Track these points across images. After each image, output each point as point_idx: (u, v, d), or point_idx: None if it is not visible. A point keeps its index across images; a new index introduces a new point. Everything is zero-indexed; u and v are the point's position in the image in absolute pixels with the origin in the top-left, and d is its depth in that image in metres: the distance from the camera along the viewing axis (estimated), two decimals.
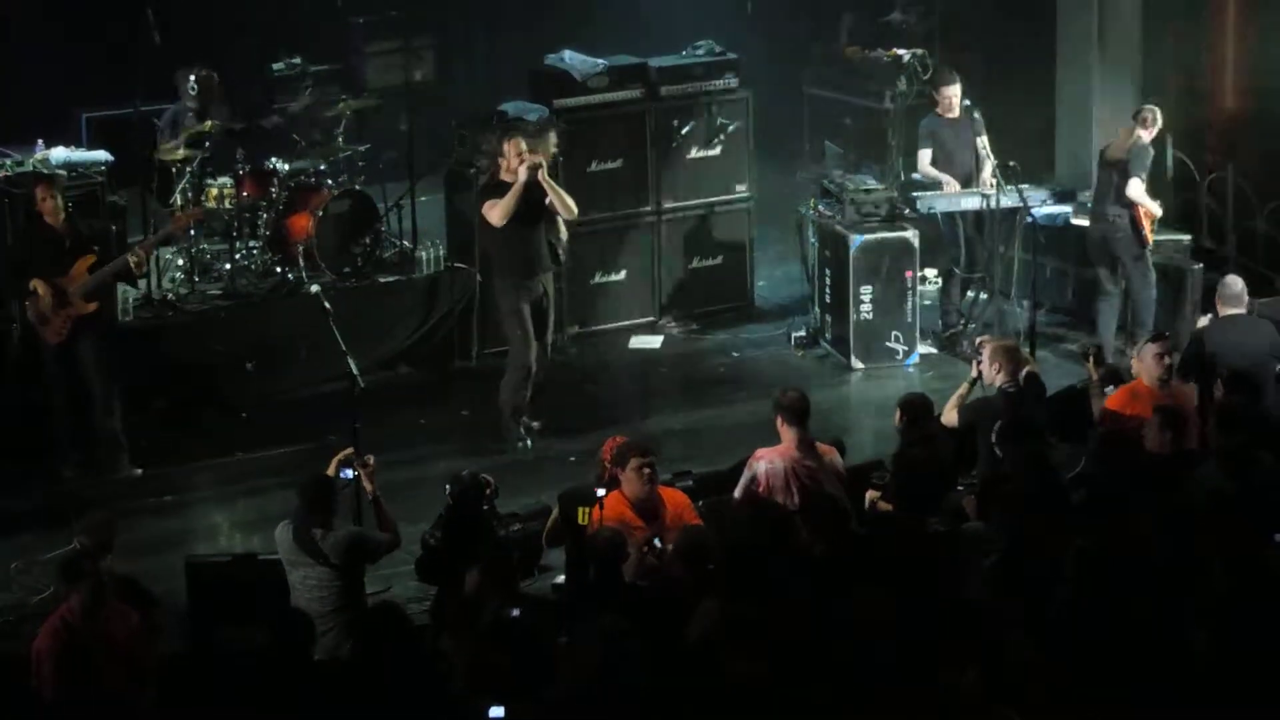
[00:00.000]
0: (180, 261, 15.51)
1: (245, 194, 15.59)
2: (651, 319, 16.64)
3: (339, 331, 12.70)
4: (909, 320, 15.80)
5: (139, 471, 13.92)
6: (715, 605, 9.50)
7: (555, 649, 9.43)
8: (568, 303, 16.07)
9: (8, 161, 14.97)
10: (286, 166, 15.78)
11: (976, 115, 15.94)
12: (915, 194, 16.12)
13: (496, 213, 14.06)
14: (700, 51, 16.87)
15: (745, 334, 16.58)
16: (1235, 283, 13.41)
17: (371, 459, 11.39)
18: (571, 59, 16.40)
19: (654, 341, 16.29)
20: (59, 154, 15.10)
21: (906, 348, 15.80)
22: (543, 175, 14.08)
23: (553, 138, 15.06)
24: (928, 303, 16.30)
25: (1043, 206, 15.88)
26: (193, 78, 16.03)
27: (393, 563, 11.70)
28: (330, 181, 15.94)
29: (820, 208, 16.23)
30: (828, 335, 16.18)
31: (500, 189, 14.12)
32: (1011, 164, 15.76)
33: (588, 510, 11.13)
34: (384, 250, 16.14)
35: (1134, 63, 17.72)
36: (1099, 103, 17.72)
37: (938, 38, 19.19)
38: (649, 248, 16.60)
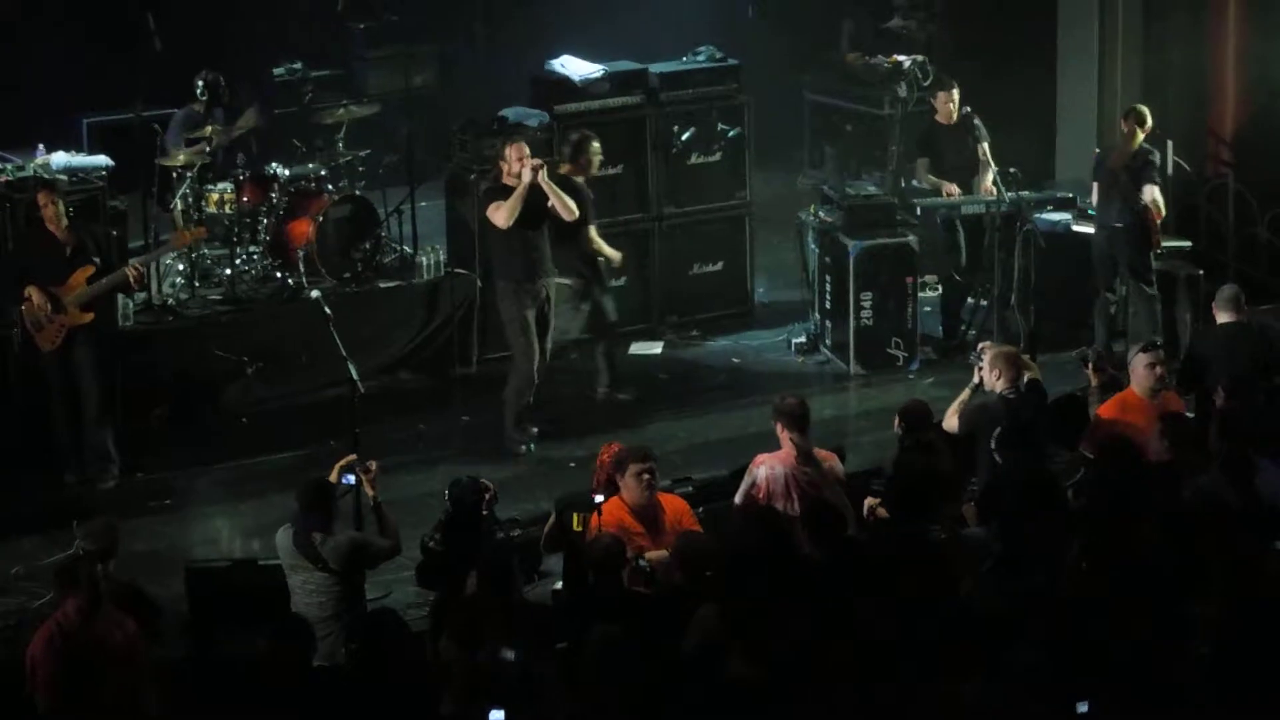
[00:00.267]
0: (180, 267, 15.51)
1: (245, 199, 15.60)
2: (651, 325, 16.63)
3: (339, 337, 12.70)
4: (909, 326, 15.79)
5: (112, 483, 13.81)
6: (714, 611, 9.49)
7: (555, 655, 9.44)
8: None
9: (8, 166, 14.95)
10: (287, 172, 15.79)
11: (976, 122, 15.94)
12: (915, 200, 16.13)
13: (501, 215, 14.09)
14: (701, 57, 16.87)
15: (745, 340, 16.56)
16: (1229, 289, 13.42)
17: (374, 464, 11.40)
18: (571, 65, 16.41)
19: (654, 348, 16.29)
20: (60, 159, 15.07)
21: (907, 354, 15.79)
22: (542, 178, 14.10)
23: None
24: (928, 309, 16.29)
25: (1043, 213, 15.88)
26: (200, 82, 16.05)
27: (393, 568, 11.70)
28: (331, 187, 15.94)
29: (821, 214, 16.22)
30: (828, 341, 16.17)
31: (504, 192, 14.15)
32: (1012, 170, 15.78)
33: (583, 516, 11.14)
34: (384, 256, 16.14)
35: (1135, 69, 17.74)
36: (1100, 109, 17.74)
37: (938, 44, 19.20)
38: (650, 254, 16.59)
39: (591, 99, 16.31)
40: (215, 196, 15.61)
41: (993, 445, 11.88)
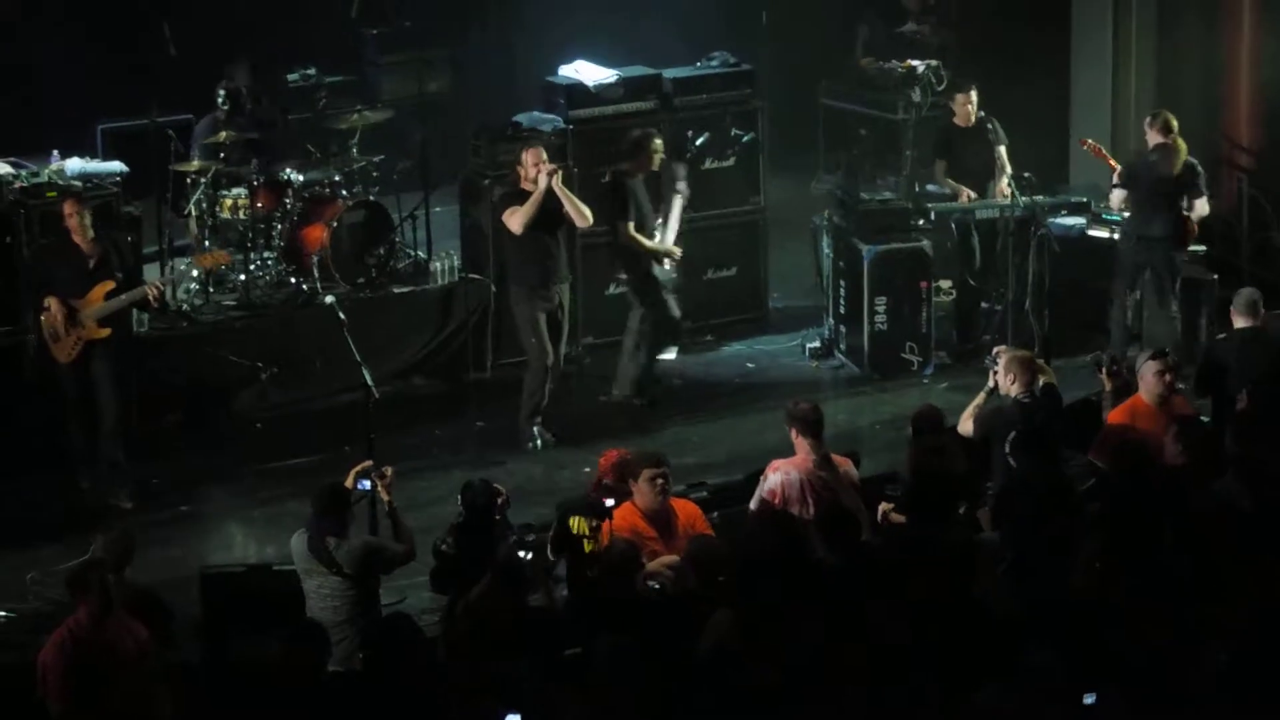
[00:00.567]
0: (195, 273, 15.50)
1: (260, 205, 15.61)
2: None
3: (353, 342, 12.71)
4: (924, 331, 15.79)
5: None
6: (728, 616, 9.49)
7: (567, 659, 9.45)
8: (582, 314, 16.06)
9: (23, 173, 14.97)
10: (301, 177, 15.80)
11: (993, 125, 15.95)
12: (929, 204, 16.12)
13: (516, 220, 14.12)
14: (715, 63, 16.86)
15: (760, 345, 16.55)
16: (1248, 293, 13.38)
17: (389, 470, 11.40)
18: (585, 70, 16.42)
19: (669, 353, 16.28)
20: (74, 165, 15.09)
21: (921, 358, 15.78)
22: (557, 183, 14.12)
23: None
24: (942, 313, 16.27)
25: (1057, 217, 15.87)
26: (222, 91, 16.05)
27: (407, 574, 11.70)
28: (344, 192, 15.95)
29: (835, 218, 16.22)
30: (842, 346, 16.16)
31: (520, 197, 14.19)
32: (1026, 175, 15.76)
33: (591, 523, 11.16)
34: (398, 261, 16.14)
35: (1149, 73, 17.72)
36: (1114, 114, 17.71)
37: (952, 49, 19.18)
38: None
39: (605, 104, 16.32)
40: (229, 202, 15.61)
41: (1007, 450, 11.87)
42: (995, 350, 12.86)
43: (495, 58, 18.95)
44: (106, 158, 15.77)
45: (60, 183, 14.77)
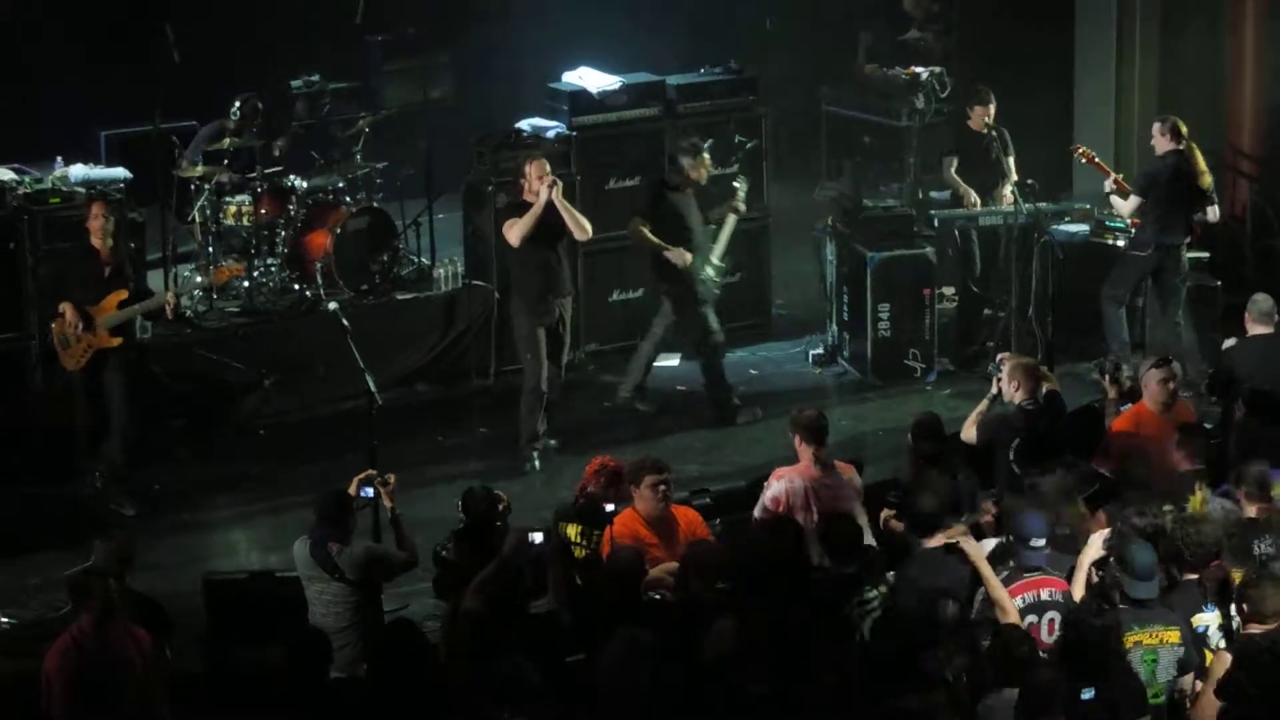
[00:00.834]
0: (199, 279, 15.52)
1: (263, 212, 15.62)
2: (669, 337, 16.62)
3: (357, 349, 12.72)
4: (927, 338, 15.79)
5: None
6: (732, 624, 9.48)
7: (570, 665, 9.45)
8: (585, 321, 16.07)
9: (26, 178, 14.98)
10: (305, 184, 15.82)
11: (1001, 132, 16.01)
12: (933, 211, 16.12)
13: (515, 232, 14.10)
14: (718, 69, 16.88)
15: (763, 351, 16.57)
16: (1264, 301, 13.33)
17: (393, 477, 11.39)
18: (589, 76, 16.42)
19: (672, 360, 16.28)
20: (78, 171, 15.11)
21: (924, 365, 15.79)
22: (557, 195, 14.08)
23: None
24: (945, 320, 16.27)
25: (1060, 224, 15.87)
26: (239, 103, 16.02)
27: (410, 580, 11.69)
28: (348, 199, 15.97)
29: (838, 225, 16.22)
30: (846, 353, 16.17)
31: (521, 209, 14.15)
32: (1029, 182, 15.77)
33: (573, 526, 11.19)
34: (402, 268, 16.17)
35: (1152, 80, 17.71)
36: (1117, 121, 17.71)
37: (955, 56, 19.18)
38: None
39: (609, 111, 16.32)
40: (233, 209, 15.62)
41: (1011, 457, 11.86)
42: (998, 357, 12.86)
43: (499, 64, 18.95)
44: (109, 164, 15.78)
45: (64, 188, 14.80)
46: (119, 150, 16.47)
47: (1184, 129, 15.08)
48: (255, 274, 15.54)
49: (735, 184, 15.43)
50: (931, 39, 19.47)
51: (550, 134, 16.05)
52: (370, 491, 11.32)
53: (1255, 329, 13.24)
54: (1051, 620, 9.75)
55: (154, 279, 15.12)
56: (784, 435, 12.07)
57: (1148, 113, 17.10)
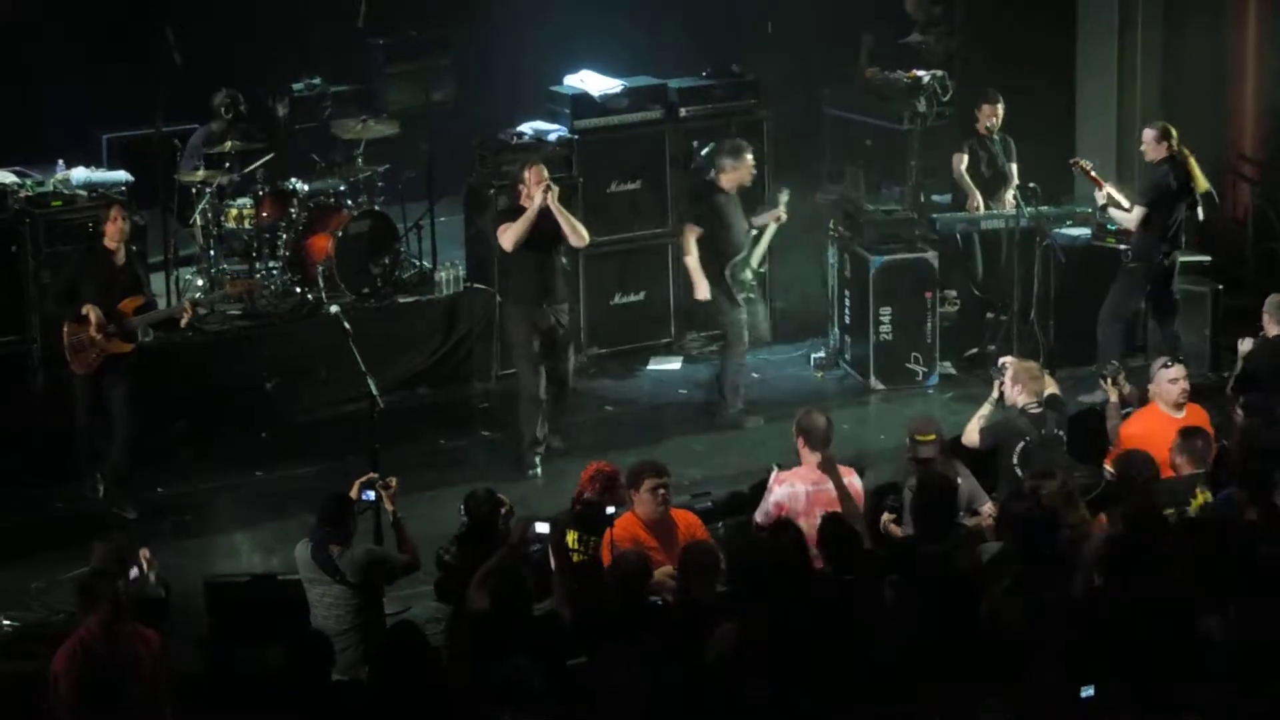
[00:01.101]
0: (200, 282, 15.52)
1: (265, 215, 15.62)
2: (670, 340, 16.62)
3: (358, 352, 12.73)
4: (929, 341, 15.79)
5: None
6: (734, 628, 9.48)
7: (574, 669, 9.44)
8: (586, 324, 16.07)
9: (28, 182, 14.98)
10: (306, 187, 15.82)
11: (1005, 139, 16.03)
12: (935, 215, 16.13)
13: (508, 238, 14.05)
14: (718, 71, 16.88)
15: (765, 355, 16.54)
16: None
17: (394, 480, 11.40)
18: (590, 80, 16.43)
19: (673, 363, 16.28)
20: (79, 174, 15.11)
21: (926, 369, 15.79)
22: (553, 201, 14.03)
23: None
24: (948, 324, 16.27)
25: (1063, 228, 15.87)
26: (216, 103, 16.05)
27: (411, 583, 11.70)
28: (350, 202, 15.97)
29: (840, 229, 16.23)
30: (847, 356, 16.17)
31: (516, 214, 14.11)
32: (1031, 185, 15.76)
33: (571, 532, 11.20)
34: (403, 271, 16.16)
35: (1156, 84, 17.73)
36: (1119, 125, 17.71)
37: (957, 59, 19.18)
38: (668, 268, 16.57)
39: (610, 114, 16.32)
40: (234, 212, 15.63)
41: (1015, 460, 11.87)
42: (1000, 360, 12.87)
43: (501, 67, 18.95)
44: (111, 167, 15.78)
45: (66, 192, 14.81)
46: (120, 154, 16.47)
47: (1175, 133, 15.02)
48: (257, 277, 15.53)
49: (780, 195, 15.43)
50: (933, 42, 19.46)
51: (552, 137, 16.05)
52: (371, 494, 11.33)
53: (1275, 329, 13.21)
54: None
55: (155, 281, 15.09)
56: (786, 439, 12.07)
57: (1149, 114, 17.07)
